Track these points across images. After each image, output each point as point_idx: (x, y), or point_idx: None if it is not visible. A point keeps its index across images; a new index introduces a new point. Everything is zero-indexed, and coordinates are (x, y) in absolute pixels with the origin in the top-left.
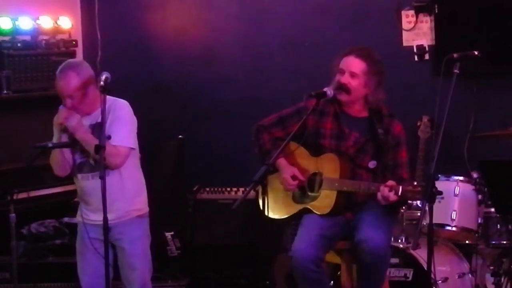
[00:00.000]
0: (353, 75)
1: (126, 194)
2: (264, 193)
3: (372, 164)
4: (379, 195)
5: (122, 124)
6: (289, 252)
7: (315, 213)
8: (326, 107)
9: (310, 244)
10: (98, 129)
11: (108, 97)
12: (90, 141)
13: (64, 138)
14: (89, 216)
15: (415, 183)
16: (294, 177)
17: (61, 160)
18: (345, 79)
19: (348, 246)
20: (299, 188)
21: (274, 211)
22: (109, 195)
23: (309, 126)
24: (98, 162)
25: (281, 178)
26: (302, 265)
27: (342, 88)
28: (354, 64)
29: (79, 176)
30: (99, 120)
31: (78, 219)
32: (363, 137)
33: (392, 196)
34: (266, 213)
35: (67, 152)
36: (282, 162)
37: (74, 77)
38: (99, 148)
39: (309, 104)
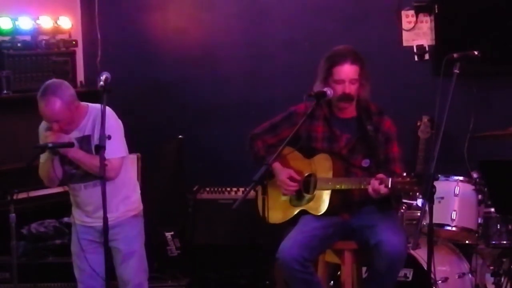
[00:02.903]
0: (353, 82)
1: (122, 197)
2: (265, 193)
3: (365, 163)
4: (369, 188)
5: (111, 136)
6: (276, 253)
7: (312, 214)
8: (316, 111)
9: (295, 245)
10: (86, 141)
11: (93, 105)
12: (82, 158)
13: (56, 160)
14: (83, 218)
15: (405, 174)
16: (291, 179)
17: (51, 172)
18: (349, 88)
19: (348, 246)
20: (295, 191)
21: (273, 217)
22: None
23: (301, 130)
24: (88, 173)
25: (278, 181)
26: (287, 265)
27: (348, 98)
28: (352, 71)
29: (71, 186)
30: (86, 133)
31: (72, 220)
32: (354, 137)
33: (382, 189)
34: (266, 214)
35: (56, 164)
36: (277, 166)
37: (56, 102)
38: (99, 148)
39: (299, 108)
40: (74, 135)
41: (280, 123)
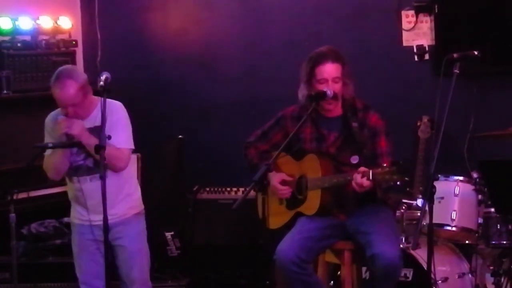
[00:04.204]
0: (336, 80)
1: (124, 194)
2: (265, 193)
3: (354, 159)
4: (353, 183)
5: (122, 127)
6: (273, 255)
7: (307, 215)
8: (303, 113)
9: (291, 246)
10: (97, 132)
11: (102, 98)
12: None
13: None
14: (84, 217)
15: (384, 165)
16: (283, 183)
17: (59, 163)
18: (332, 87)
19: (348, 246)
20: (289, 194)
21: (272, 223)
22: (109, 196)
23: (290, 133)
24: (95, 165)
25: (271, 187)
26: (284, 267)
27: (333, 97)
28: (334, 70)
29: (75, 179)
30: (96, 123)
31: (72, 220)
32: (341, 135)
33: (365, 182)
34: (266, 214)
35: (66, 155)
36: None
37: (72, 84)
38: (99, 148)
39: (286, 112)
40: (85, 125)
41: (270, 129)
